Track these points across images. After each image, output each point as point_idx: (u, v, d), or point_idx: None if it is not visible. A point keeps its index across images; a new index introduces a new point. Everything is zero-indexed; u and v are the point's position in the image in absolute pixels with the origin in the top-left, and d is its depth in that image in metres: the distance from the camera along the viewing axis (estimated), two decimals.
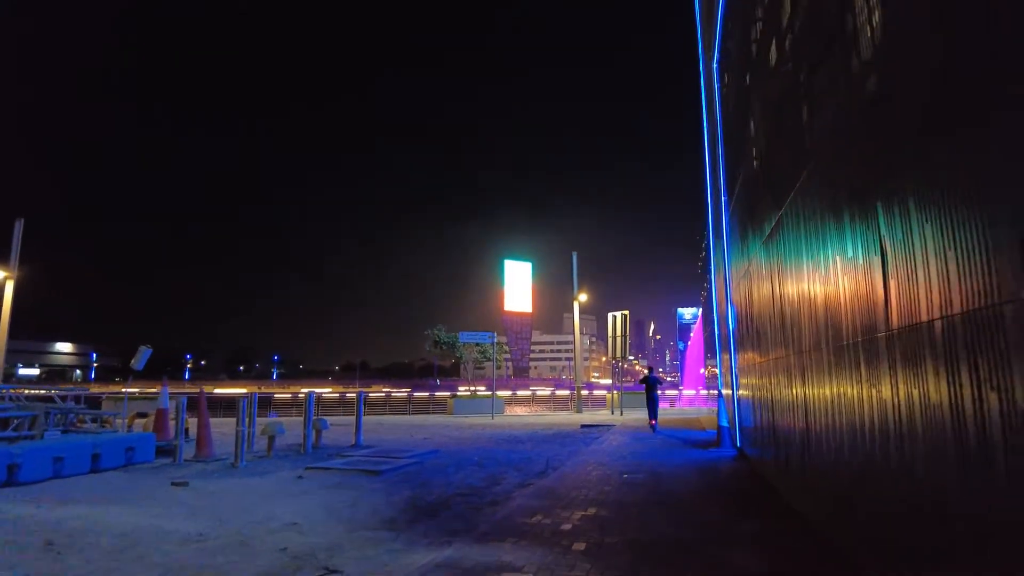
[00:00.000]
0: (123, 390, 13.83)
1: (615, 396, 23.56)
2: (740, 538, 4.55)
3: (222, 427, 12.98)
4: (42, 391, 12.29)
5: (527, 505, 5.69)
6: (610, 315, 22.89)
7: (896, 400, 2.57)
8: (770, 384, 6.29)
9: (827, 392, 3.82)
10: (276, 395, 35.39)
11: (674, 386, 44.39)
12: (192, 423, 9.97)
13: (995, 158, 1.75)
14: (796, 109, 4.44)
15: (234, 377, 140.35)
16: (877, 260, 2.76)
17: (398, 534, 4.72)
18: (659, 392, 15.82)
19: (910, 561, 2.61)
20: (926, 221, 2.21)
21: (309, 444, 9.64)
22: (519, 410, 29.79)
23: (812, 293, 4.11)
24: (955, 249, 1.99)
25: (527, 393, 43.15)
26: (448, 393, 33.98)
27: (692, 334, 48.55)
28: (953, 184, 2.02)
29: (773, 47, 5.31)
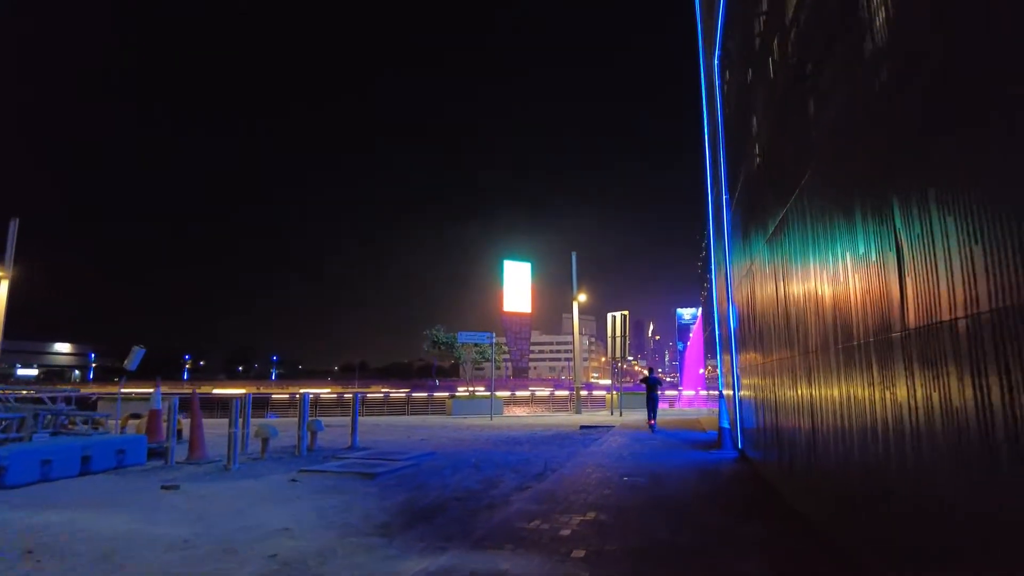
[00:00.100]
0: (117, 391, 13.66)
1: (614, 397, 23.44)
2: (743, 543, 4.42)
3: (219, 428, 12.83)
4: (31, 392, 12.13)
5: (525, 509, 5.55)
6: (609, 315, 22.77)
7: (913, 402, 2.44)
8: (773, 385, 6.15)
9: (835, 393, 3.69)
10: (274, 396, 35.20)
11: (673, 386, 44.28)
12: (186, 424, 9.82)
13: None
14: (802, 103, 4.30)
15: (233, 377, 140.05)
16: (892, 257, 2.62)
17: (392, 540, 4.58)
18: (659, 393, 15.88)
19: (918, 564, 2.47)
20: (948, 215, 2.08)
21: (304, 446, 9.49)
22: (518, 411, 29.66)
23: (820, 292, 3.97)
24: (982, 244, 1.86)
25: (526, 394, 43.01)
26: (447, 394, 33.84)
27: (691, 334, 48.48)
28: (979, 176, 1.89)
29: (777, 40, 5.17)
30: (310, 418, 10.14)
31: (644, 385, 16.22)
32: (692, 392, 38.57)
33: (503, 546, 4.31)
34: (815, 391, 4.26)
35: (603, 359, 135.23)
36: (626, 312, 22.43)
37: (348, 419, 11.49)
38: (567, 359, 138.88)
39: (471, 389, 30.94)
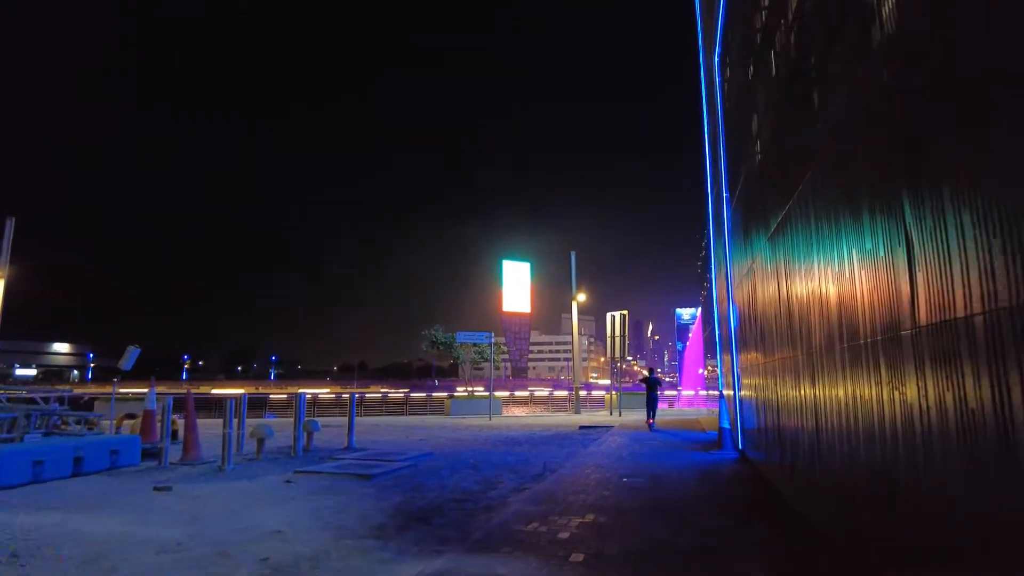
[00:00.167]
0: (111, 391, 13.56)
1: (614, 397, 23.34)
2: (746, 545, 4.34)
3: (215, 428, 12.72)
4: (23, 392, 12.02)
5: (523, 511, 5.46)
6: (609, 315, 22.68)
7: (924, 401, 2.35)
8: (775, 385, 6.07)
9: (840, 393, 3.60)
10: (272, 396, 35.08)
11: (672, 387, 44.19)
12: (183, 425, 9.72)
13: None
14: (805, 96, 4.22)
15: (232, 377, 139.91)
16: (901, 252, 2.54)
17: (387, 542, 4.49)
18: (659, 393, 16.11)
19: (922, 564, 2.39)
20: (964, 207, 1.99)
21: (300, 447, 9.40)
22: (517, 411, 29.56)
23: (824, 289, 3.89)
24: (1001, 236, 1.77)
25: (525, 394, 42.90)
26: (445, 394, 33.75)
27: (691, 334, 48.40)
28: (998, 165, 1.80)
29: (780, 33, 5.09)
30: (306, 418, 10.04)
31: (644, 385, 16.43)
32: (691, 392, 38.49)
33: (500, 549, 4.23)
34: (819, 391, 4.18)
35: (602, 359, 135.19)
36: (625, 312, 22.34)
37: (346, 419, 11.39)
38: (566, 359, 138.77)
39: (470, 389, 30.84)
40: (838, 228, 3.51)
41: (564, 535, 4.60)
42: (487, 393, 22.96)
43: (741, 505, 5.84)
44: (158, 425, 9.15)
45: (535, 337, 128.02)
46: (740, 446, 9.69)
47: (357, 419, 19.78)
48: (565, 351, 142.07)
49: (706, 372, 47.04)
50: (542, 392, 43.17)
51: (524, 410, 31.21)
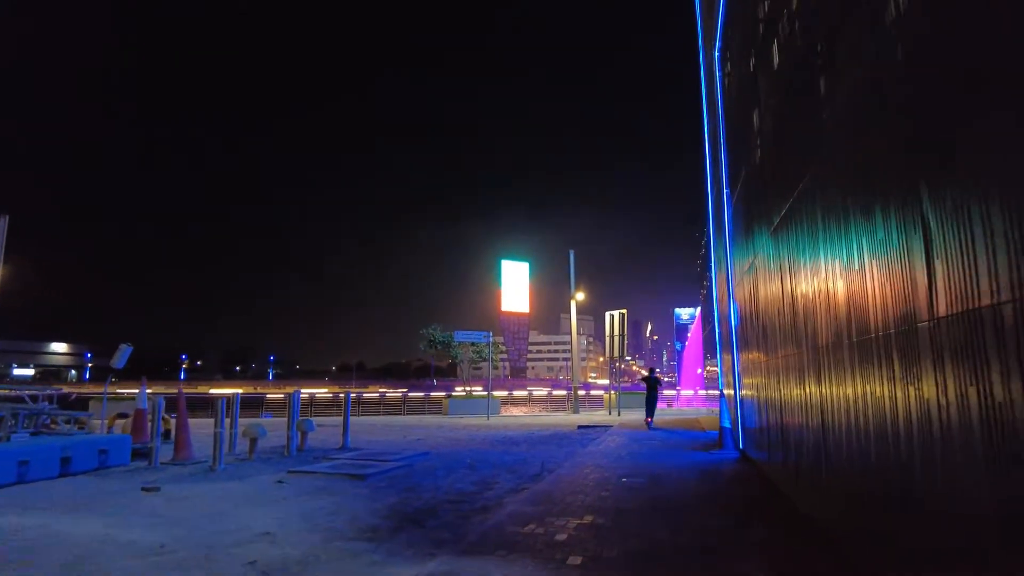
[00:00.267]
0: (103, 390, 13.40)
1: (612, 396, 23.20)
2: (748, 547, 4.21)
3: (210, 428, 12.56)
4: (10, 391, 11.84)
5: (520, 512, 5.32)
6: (607, 314, 22.55)
7: (943, 398, 2.21)
8: (778, 383, 5.93)
9: (849, 391, 3.46)
10: (269, 396, 34.86)
11: (671, 386, 44.05)
12: (175, 424, 9.56)
13: None
14: (811, 83, 4.08)
15: (230, 377, 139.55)
16: (918, 239, 2.39)
17: (379, 545, 4.35)
18: (659, 392, 16.41)
19: (944, 566, 2.25)
20: (991, 188, 1.85)
21: (293, 446, 9.24)
22: (515, 410, 29.41)
23: (831, 282, 3.74)
24: None
25: (524, 393, 42.70)
26: (443, 393, 33.57)
27: (690, 334, 48.28)
28: None
29: (784, 19, 4.95)
30: (301, 418, 9.89)
31: (644, 384, 16.74)
32: (690, 392, 38.37)
33: (495, 552, 4.08)
34: (825, 389, 4.04)
35: (601, 359, 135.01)
36: (624, 311, 22.21)
37: (342, 419, 11.24)
38: (565, 359, 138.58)
39: (468, 389, 30.65)
40: (846, 218, 3.37)
41: (562, 537, 4.46)
42: (485, 393, 22.81)
43: (743, 505, 5.71)
44: (149, 424, 8.98)
45: (534, 337, 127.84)
46: (741, 445, 9.56)
47: (354, 419, 19.66)
48: (564, 351, 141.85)
49: (705, 372, 46.91)
50: (541, 392, 42.98)
51: (522, 410, 31.05)
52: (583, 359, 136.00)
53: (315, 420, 13.52)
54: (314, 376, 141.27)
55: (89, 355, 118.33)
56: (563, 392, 36.82)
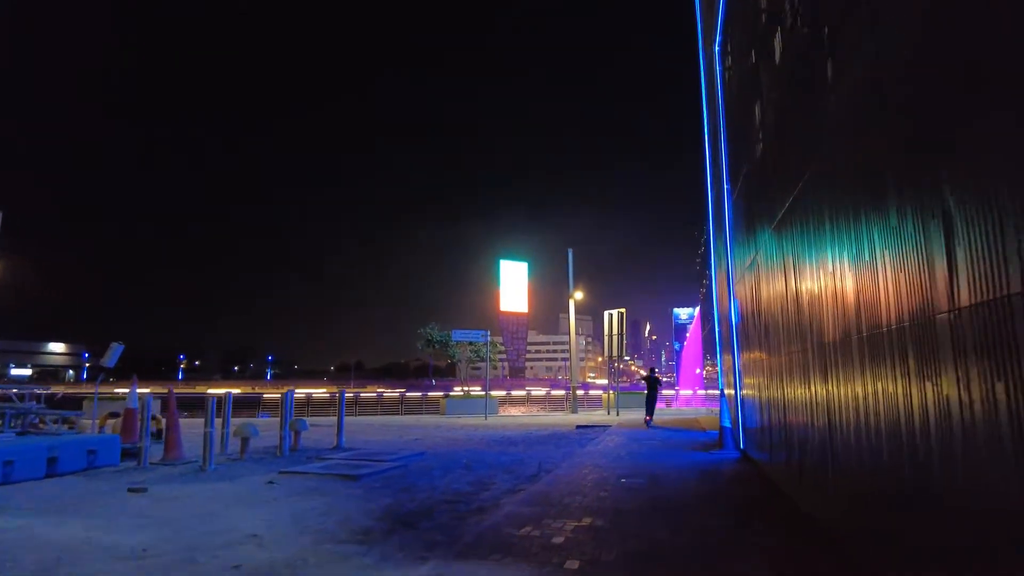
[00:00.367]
0: (95, 389, 13.23)
1: (611, 396, 23.06)
2: (751, 550, 4.07)
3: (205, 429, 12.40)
4: None
5: (516, 513, 5.17)
6: (606, 313, 22.41)
7: (965, 394, 2.07)
8: (782, 382, 5.79)
9: (858, 388, 3.32)
10: (266, 395, 34.68)
11: (670, 386, 43.93)
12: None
13: None
14: (817, 71, 3.94)
15: (228, 377, 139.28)
16: (936, 223, 2.25)
17: (370, 547, 4.20)
18: (659, 392, 16.71)
19: (963, 568, 2.12)
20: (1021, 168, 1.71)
21: (286, 446, 9.08)
22: (514, 410, 29.27)
23: (839, 276, 3.61)
24: None
25: (522, 393, 42.53)
26: (441, 393, 33.41)
27: (688, 334, 48.13)
28: None
29: (787, 10, 4.81)
30: (294, 417, 9.74)
31: (645, 383, 17.03)
32: (689, 392, 38.20)
33: (490, 556, 3.94)
34: (832, 387, 3.90)
35: (600, 359, 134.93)
36: (623, 310, 22.06)
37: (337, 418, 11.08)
38: (564, 359, 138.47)
39: (466, 389, 30.50)
40: (856, 208, 3.23)
41: (559, 540, 4.32)
42: (483, 393, 22.66)
43: (744, 506, 5.57)
44: (139, 424, 8.82)
45: (533, 337, 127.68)
46: (742, 446, 9.42)
47: (351, 419, 19.51)
48: (563, 351, 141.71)
49: (704, 372, 46.78)
50: (539, 392, 42.83)
51: (521, 409, 30.91)
52: (582, 359, 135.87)
53: (311, 420, 13.37)
54: (313, 376, 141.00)
55: (87, 355, 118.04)
56: (561, 392, 36.70)
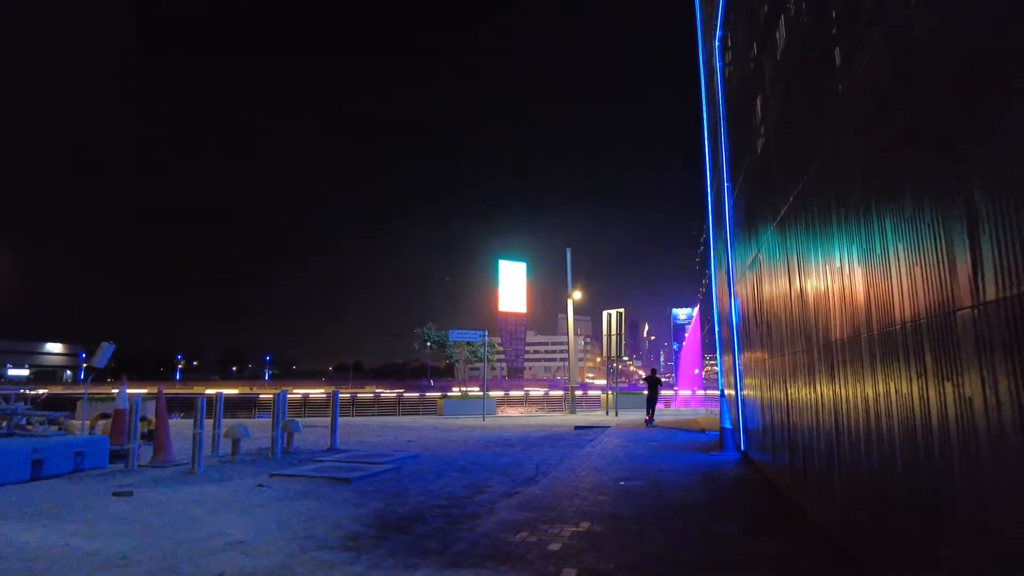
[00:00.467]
0: (84, 390, 13.04)
1: (610, 397, 22.91)
2: (755, 557, 3.92)
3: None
4: None
5: (512, 519, 5.02)
6: (605, 312, 22.26)
7: (992, 395, 1.92)
8: (785, 382, 5.64)
9: (868, 388, 3.17)
10: (262, 396, 34.48)
11: (669, 386, 43.81)
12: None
13: None
14: (823, 57, 3.78)
15: (227, 377, 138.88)
16: (958, 213, 2.10)
17: (359, 555, 4.04)
18: (659, 392, 17.10)
19: (952, 568, 1.96)
20: None
21: (278, 448, 8.91)
22: (512, 411, 29.11)
23: (846, 271, 3.45)
24: None
25: (520, 394, 42.36)
26: (439, 394, 33.23)
27: (687, 334, 48.02)
28: None
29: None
30: (287, 418, 9.57)
31: (645, 384, 17.37)
32: (688, 392, 38.08)
33: (484, 563, 3.78)
34: (839, 387, 3.75)
35: (598, 359, 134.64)
36: (622, 310, 21.91)
37: (340, 419, 10.90)
38: (562, 360, 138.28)
39: (464, 389, 30.36)
40: (866, 198, 3.07)
41: (555, 546, 4.16)
42: (481, 393, 22.50)
43: (747, 510, 5.42)
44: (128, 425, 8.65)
45: (531, 338, 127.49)
46: (742, 447, 9.27)
47: (348, 420, 19.33)
48: (561, 351, 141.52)
49: (704, 372, 46.63)
50: (537, 392, 42.68)
51: (519, 410, 30.75)
52: (580, 359, 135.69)
53: (307, 421, 13.22)
54: (311, 376, 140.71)
55: (83, 355, 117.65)
56: (560, 392, 36.56)
